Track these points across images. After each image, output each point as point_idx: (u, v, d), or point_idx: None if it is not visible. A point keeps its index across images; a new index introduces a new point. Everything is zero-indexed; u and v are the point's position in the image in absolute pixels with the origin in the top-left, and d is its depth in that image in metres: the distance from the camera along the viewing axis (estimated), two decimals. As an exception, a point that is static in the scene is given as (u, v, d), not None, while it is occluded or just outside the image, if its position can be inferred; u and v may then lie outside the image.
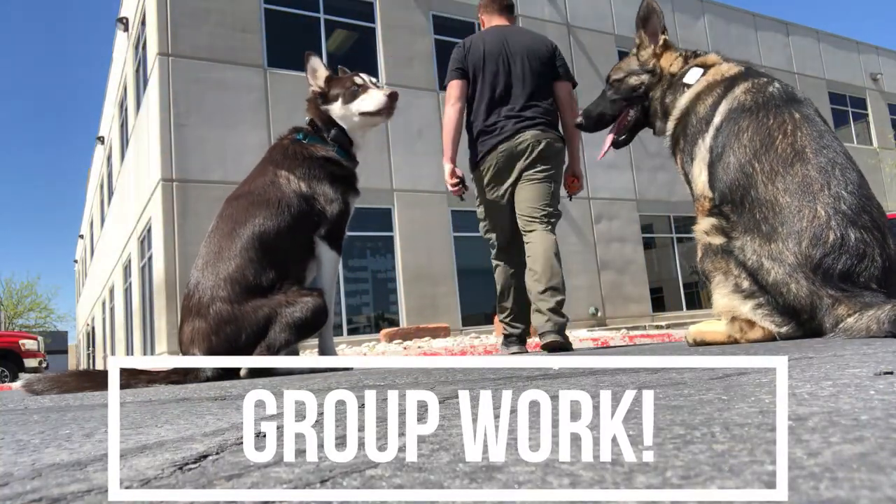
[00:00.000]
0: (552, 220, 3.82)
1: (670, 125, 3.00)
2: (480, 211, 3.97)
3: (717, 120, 2.74)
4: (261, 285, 2.94)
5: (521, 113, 3.76)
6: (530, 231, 3.76)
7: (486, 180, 3.86)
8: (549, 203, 3.80)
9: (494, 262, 4.00)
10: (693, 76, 2.97)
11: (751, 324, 2.51)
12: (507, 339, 4.00)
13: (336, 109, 3.34)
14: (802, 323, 2.41)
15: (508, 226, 3.91)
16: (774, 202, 2.46)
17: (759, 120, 2.61)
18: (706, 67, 2.96)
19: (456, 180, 3.89)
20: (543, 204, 3.78)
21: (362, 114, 3.31)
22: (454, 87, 3.87)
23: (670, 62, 3.10)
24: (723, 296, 2.57)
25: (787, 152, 2.51)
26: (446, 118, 3.87)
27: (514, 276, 3.92)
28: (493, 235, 3.95)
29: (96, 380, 2.79)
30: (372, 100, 3.29)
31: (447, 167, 3.87)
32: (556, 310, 3.59)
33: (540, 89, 3.83)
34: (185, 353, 3.04)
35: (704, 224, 2.69)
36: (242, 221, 3.05)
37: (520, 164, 3.75)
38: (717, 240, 2.62)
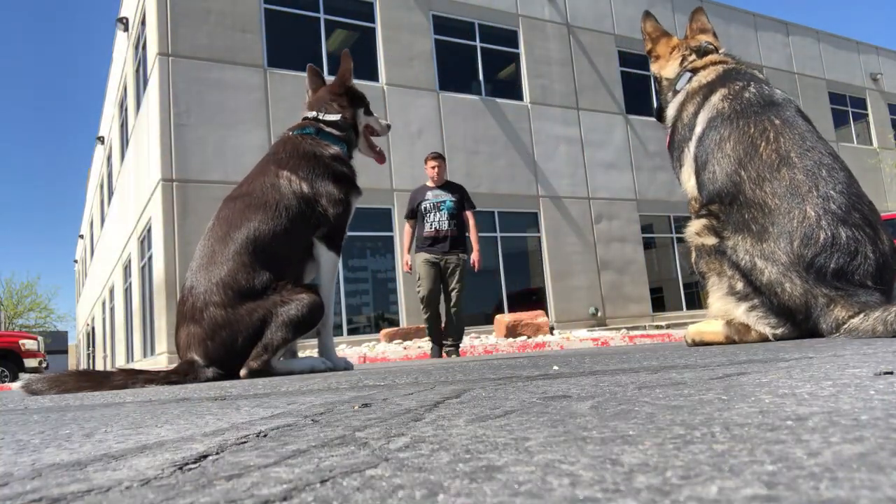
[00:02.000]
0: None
1: (668, 131, 3.07)
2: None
3: (698, 129, 2.79)
4: (254, 289, 2.92)
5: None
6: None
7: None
8: (461, 287, 6.57)
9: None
10: (682, 82, 3.02)
11: (747, 327, 2.52)
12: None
13: (360, 115, 3.51)
14: (798, 324, 2.41)
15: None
16: (763, 205, 2.48)
17: (739, 128, 2.64)
18: (696, 71, 2.98)
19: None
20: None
21: (367, 128, 3.56)
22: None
23: (665, 67, 3.15)
24: (717, 299, 2.59)
25: (772, 158, 2.53)
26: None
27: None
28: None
29: (95, 379, 2.79)
30: (379, 123, 3.62)
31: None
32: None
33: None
34: (182, 358, 3.03)
35: (695, 226, 2.71)
36: (237, 225, 3.02)
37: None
38: (710, 240, 2.63)
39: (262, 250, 2.98)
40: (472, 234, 6.76)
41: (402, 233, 6.93)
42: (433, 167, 6.72)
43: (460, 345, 6.83)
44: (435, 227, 6.56)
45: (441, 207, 6.60)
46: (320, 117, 3.36)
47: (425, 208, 6.62)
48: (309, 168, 3.15)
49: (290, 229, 3.04)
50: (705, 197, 2.73)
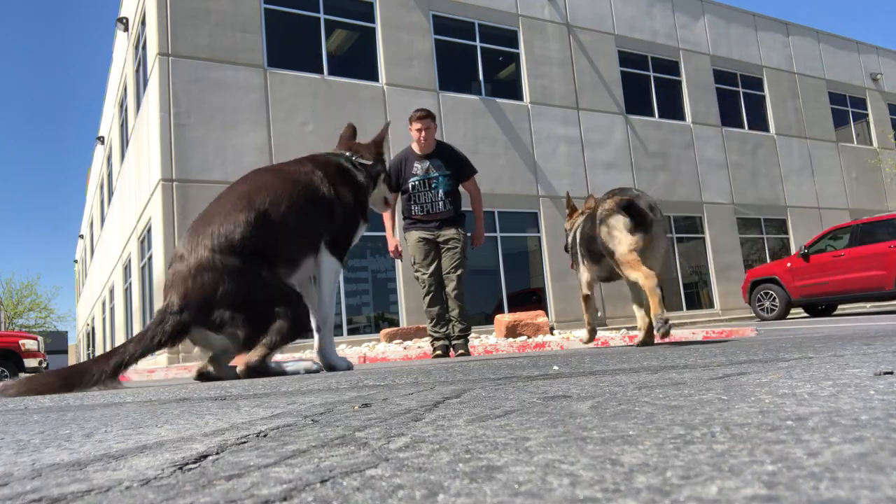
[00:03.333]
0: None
1: (570, 253, 4.82)
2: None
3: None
4: (246, 249, 2.92)
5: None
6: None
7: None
8: (463, 267, 5.67)
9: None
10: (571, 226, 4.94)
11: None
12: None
13: (382, 175, 3.77)
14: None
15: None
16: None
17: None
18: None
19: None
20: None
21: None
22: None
23: (569, 223, 5.00)
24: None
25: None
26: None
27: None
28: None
29: (67, 378, 2.71)
30: (383, 195, 3.86)
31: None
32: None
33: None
34: (164, 299, 2.99)
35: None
36: (259, 187, 3.11)
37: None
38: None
39: (271, 218, 3.02)
40: (475, 206, 5.72)
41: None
42: (419, 129, 5.41)
43: (469, 336, 5.87)
44: (427, 210, 5.48)
45: (433, 185, 5.47)
46: (354, 158, 3.56)
47: (413, 186, 5.48)
48: (339, 179, 3.33)
49: (304, 212, 3.11)
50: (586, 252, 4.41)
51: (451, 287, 5.56)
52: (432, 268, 5.51)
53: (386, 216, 5.70)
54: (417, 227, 5.55)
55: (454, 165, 5.58)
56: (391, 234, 5.75)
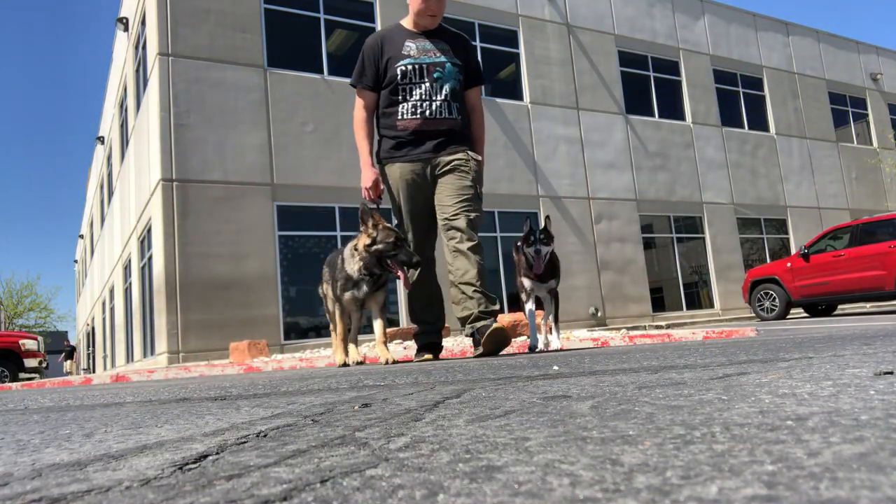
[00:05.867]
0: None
1: None
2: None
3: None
4: None
5: None
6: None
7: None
8: (478, 208, 4.21)
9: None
10: None
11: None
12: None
13: None
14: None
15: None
16: None
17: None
18: None
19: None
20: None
21: None
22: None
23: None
24: None
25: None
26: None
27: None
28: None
29: None
30: None
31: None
32: None
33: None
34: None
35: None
36: None
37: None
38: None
39: None
40: (477, 127, 3.81)
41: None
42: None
43: (495, 311, 3.73)
44: (422, 113, 3.53)
45: (437, 73, 3.56)
46: None
47: (403, 73, 3.53)
48: None
49: None
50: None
51: (458, 238, 3.56)
52: (423, 223, 3.73)
53: (359, 133, 3.71)
54: (404, 158, 3.63)
55: (465, 56, 3.69)
56: (368, 161, 3.74)
